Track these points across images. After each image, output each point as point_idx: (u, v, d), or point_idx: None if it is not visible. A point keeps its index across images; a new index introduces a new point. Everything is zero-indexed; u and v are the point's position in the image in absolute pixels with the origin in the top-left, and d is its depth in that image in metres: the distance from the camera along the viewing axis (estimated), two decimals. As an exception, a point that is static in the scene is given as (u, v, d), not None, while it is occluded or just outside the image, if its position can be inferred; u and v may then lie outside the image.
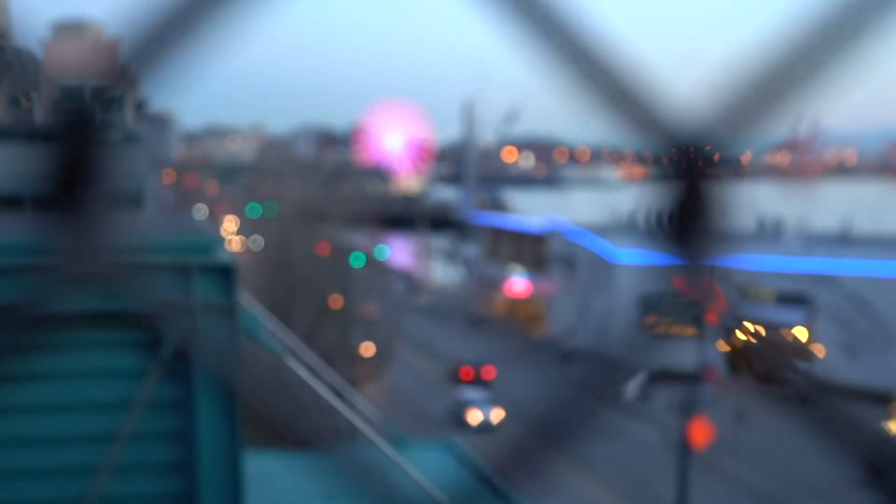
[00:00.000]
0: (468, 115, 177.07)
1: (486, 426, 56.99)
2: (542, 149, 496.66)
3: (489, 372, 68.48)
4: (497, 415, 57.79)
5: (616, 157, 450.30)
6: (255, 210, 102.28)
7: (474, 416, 57.59)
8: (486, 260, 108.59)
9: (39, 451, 6.89)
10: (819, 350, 69.64)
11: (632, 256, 76.40)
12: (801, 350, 71.04)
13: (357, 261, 70.18)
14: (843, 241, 76.18)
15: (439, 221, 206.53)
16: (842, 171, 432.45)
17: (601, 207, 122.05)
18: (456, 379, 68.75)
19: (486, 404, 58.92)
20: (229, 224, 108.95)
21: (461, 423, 57.33)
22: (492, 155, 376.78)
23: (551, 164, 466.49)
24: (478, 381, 67.06)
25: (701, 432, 44.47)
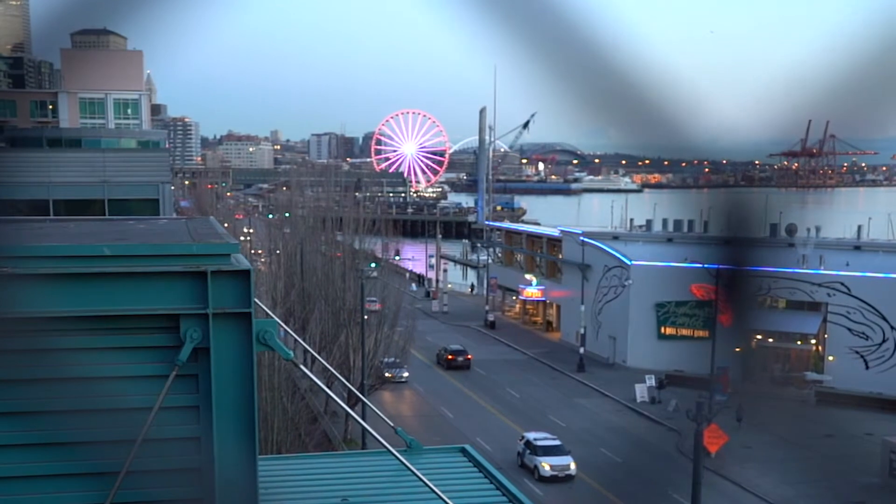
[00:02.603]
0: (483, 123, 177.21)
1: (560, 476, 49.71)
2: (556, 156, 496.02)
3: (468, 357, 77.94)
4: (572, 463, 50.30)
5: (631, 165, 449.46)
6: (272, 216, 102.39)
7: (547, 465, 49.90)
8: (500, 265, 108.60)
9: (56, 454, 6.94)
10: (831, 358, 69.34)
11: (646, 262, 76.23)
12: (813, 358, 70.73)
13: (372, 266, 70.33)
14: (857, 247, 75.83)
15: (454, 227, 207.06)
16: (855, 177, 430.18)
17: (615, 214, 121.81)
18: (443, 363, 77.29)
19: (558, 451, 51.10)
20: (246, 229, 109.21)
21: (531, 470, 50.69)
22: (506, 162, 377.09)
23: (566, 171, 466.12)
24: (459, 364, 76.42)
25: (714, 437, 44.20)
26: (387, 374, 64.89)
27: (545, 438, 52.31)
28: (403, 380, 67.68)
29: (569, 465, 49.83)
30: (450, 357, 77.58)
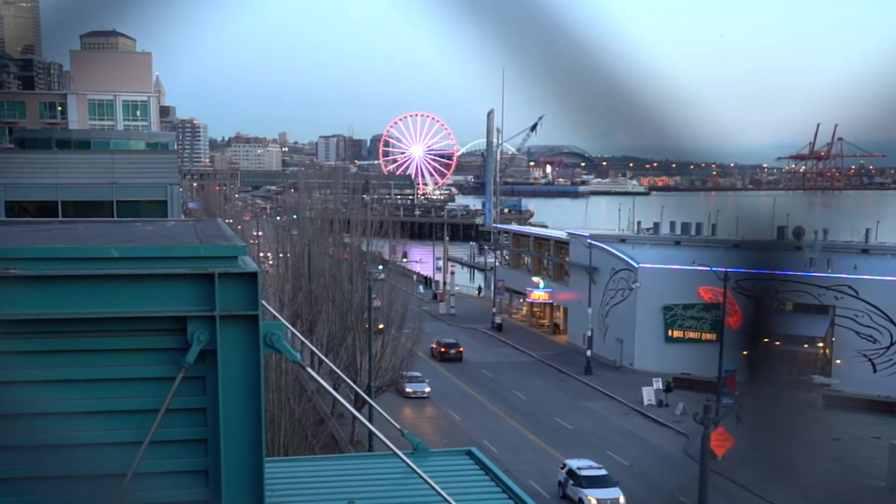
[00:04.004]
0: (491, 126, 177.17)
1: None
2: (563, 158, 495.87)
3: (460, 349, 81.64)
4: (622, 497, 45.05)
5: (638, 168, 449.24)
6: (280, 218, 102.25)
7: (593, 498, 44.63)
8: (508, 268, 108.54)
9: (62, 455, 6.94)
10: (839, 361, 69.14)
11: (653, 265, 76.12)
12: (821, 361, 70.52)
13: (380, 269, 70.35)
14: (865, 251, 75.60)
15: (461, 230, 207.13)
16: (863, 180, 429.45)
17: (623, 217, 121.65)
18: (436, 356, 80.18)
19: (605, 481, 45.78)
20: (255, 232, 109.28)
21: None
22: (514, 164, 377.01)
23: (573, 173, 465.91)
24: (452, 357, 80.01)
25: (720, 441, 44.14)
26: (408, 390, 64.85)
27: (590, 467, 46.59)
28: (426, 395, 67.01)
29: (618, 500, 44.57)
30: (443, 350, 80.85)
